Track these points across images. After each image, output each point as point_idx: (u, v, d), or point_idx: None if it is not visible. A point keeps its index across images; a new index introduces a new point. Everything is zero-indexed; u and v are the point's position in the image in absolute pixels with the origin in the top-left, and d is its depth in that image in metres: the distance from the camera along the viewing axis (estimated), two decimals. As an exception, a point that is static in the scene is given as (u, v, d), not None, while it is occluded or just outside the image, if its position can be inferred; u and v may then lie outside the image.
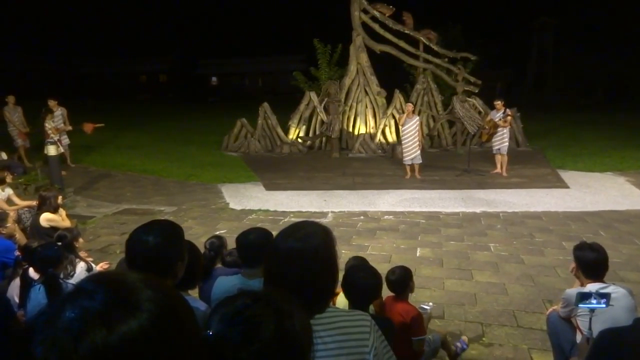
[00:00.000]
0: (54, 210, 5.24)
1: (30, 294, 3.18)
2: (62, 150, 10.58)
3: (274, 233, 2.49)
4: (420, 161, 9.76)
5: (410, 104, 10.24)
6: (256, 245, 2.35)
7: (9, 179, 6.41)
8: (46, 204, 5.20)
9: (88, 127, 10.77)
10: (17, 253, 4.11)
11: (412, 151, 9.62)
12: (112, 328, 0.59)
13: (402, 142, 9.83)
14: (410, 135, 9.60)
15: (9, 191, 6.29)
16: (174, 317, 0.67)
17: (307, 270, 1.35)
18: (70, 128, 10.92)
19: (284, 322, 0.93)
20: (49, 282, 3.14)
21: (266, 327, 0.91)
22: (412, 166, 9.82)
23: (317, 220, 7.62)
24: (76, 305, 0.62)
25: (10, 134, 10.77)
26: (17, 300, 3.36)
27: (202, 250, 3.32)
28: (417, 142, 9.62)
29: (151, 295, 0.66)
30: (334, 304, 2.69)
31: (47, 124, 10.20)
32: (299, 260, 1.35)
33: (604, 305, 2.65)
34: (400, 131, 10.15)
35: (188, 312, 0.71)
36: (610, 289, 2.82)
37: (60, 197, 5.49)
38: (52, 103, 10.70)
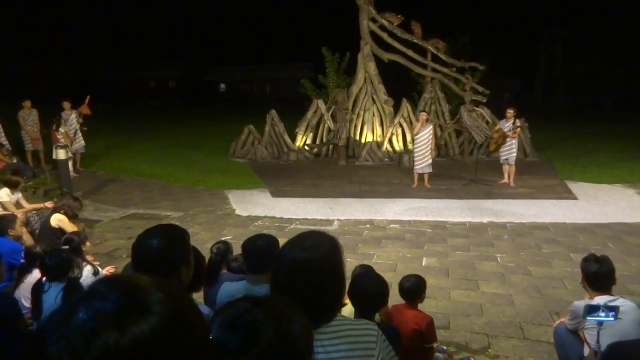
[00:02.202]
0: (72, 216, 5.30)
1: (43, 299, 3.18)
2: (70, 155, 10.73)
3: (280, 240, 2.50)
4: (431, 170, 9.73)
5: (424, 112, 10.20)
6: (263, 252, 2.35)
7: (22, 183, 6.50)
8: (68, 207, 5.25)
9: (84, 109, 10.97)
10: (22, 259, 4.14)
11: (422, 160, 9.59)
12: (124, 329, 0.60)
13: (415, 150, 9.80)
14: (423, 143, 9.57)
15: (17, 194, 6.36)
16: (184, 319, 0.68)
17: (313, 280, 1.35)
18: (81, 123, 11.13)
19: (283, 327, 0.93)
20: (69, 287, 3.15)
21: (265, 331, 0.91)
22: (420, 175, 9.79)
23: (323, 228, 7.63)
24: (89, 307, 0.63)
25: (22, 138, 10.89)
26: (24, 303, 3.38)
27: (208, 255, 3.33)
28: (430, 151, 9.59)
29: (162, 297, 0.67)
30: (340, 312, 2.67)
31: (61, 129, 10.35)
32: (305, 270, 1.35)
33: (612, 319, 2.62)
34: (414, 139, 10.13)
35: (197, 315, 0.72)
36: (618, 301, 2.78)
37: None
38: (66, 105, 10.87)
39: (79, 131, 11.07)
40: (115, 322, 0.61)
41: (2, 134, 10.34)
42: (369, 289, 2.47)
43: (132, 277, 0.72)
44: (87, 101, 11.02)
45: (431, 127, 9.85)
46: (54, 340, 0.60)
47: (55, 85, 29.52)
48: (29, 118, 10.79)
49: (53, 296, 3.16)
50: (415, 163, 9.74)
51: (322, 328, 1.33)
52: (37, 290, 3.29)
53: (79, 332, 0.60)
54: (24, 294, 3.42)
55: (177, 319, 0.66)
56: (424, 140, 9.58)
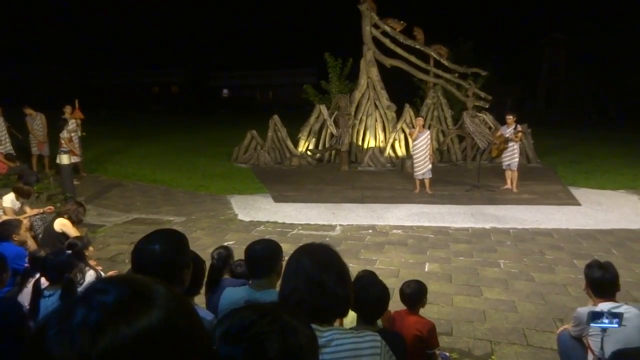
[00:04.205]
0: (77, 221, 5.30)
1: (40, 305, 3.19)
2: (76, 159, 10.76)
3: (282, 245, 2.50)
4: (430, 176, 9.70)
5: (420, 117, 10.21)
6: (263, 257, 2.35)
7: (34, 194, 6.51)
8: (73, 212, 5.26)
9: (78, 114, 10.98)
10: (27, 264, 4.14)
11: (422, 165, 9.58)
12: (131, 321, 0.60)
13: (413, 156, 9.79)
14: (421, 149, 9.56)
15: (22, 200, 6.37)
16: (186, 312, 0.68)
17: (334, 275, 1.46)
18: (83, 132, 11.15)
19: (289, 340, 0.91)
20: (66, 287, 3.16)
21: (271, 345, 0.90)
22: (421, 180, 9.77)
23: (325, 233, 7.61)
24: (92, 301, 0.62)
25: (30, 142, 10.94)
26: (28, 308, 3.38)
27: (208, 260, 3.34)
28: (428, 157, 9.58)
29: (163, 290, 0.67)
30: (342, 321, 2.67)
31: (61, 135, 10.37)
32: (327, 267, 1.47)
33: (616, 325, 2.61)
34: (411, 145, 10.11)
35: (194, 311, 0.72)
36: (622, 308, 2.77)
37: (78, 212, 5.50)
38: (68, 109, 10.89)
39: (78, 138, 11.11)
40: (122, 314, 0.60)
41: (8, 142, 10.37)
42: (370, 294, 2.46)
43: (129, 275, 0.72)
44: (77, 106, 11.03)
45: (428, 132, 9.85)
46: (56, 337, 0.59)
47: (60, 91, 29.68)
48: (34, 122, 10.83)
49: (53, 302, 3.16)
50: (415, 169, 9.70)
51: (324, 342, 1.32)
52: (36, 290, 3.30)
53: (84, 326, 0.59)
54: (27, 299, 3.43)
55: (179, 311, 0.66)
56: (422, 146, 9.56)
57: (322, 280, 1.43)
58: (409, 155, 12.77)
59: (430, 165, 9.59)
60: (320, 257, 1.51)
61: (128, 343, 0.59)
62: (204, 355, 0.70)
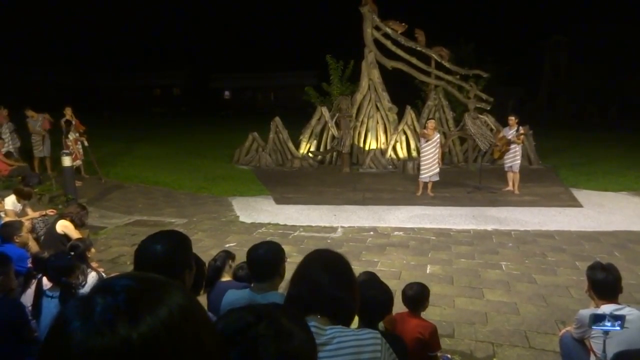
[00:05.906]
0: (80, 225, 5.31)
1: (42, 304, 3.20)
2: (79, 162, 10.77)
3: (284, 247, 2.50)
4: (438, 179, 9.65)
5: (432, 120, 10.07)
6: (266, 260, 2.34)
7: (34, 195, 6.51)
8: (77, 215, 5.26)
9: (79, 127, 11.00)
10: (29, 265, 4.15)
11: (430, 168, 9.52)
12: (162, 300, 0.59)
13: (421, 158, 9.68)
14: (430, 152, 9.50)
15: (23, 201, 6.38)
16: (197, 302, 0.69)
17: (343, 283, 1.49)
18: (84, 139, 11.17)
19: (283, 345, 0.90)
20: (64, 290, 3.17)
21: (264, 349, 0.89)
22: (424, 183, 9.73)
23: (327, 235, 7.59)
24: (114, 286, 0.60)
25: (32, 144, 10.96)
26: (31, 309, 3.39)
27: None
28: (437, 160, 9.54)
29: (172, 280, 0.67)
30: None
31: (70, 136, 10.40)
32: (340, 274, 1.52)
33: (618, 328, 2.60)
34: (420, 148, 10.02)
35: (204, 310, 0.73)
36: (624, 310, 2.76)
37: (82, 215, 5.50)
38: (68, 112, 10.91)
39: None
40: (151, 293, 0.60)
41: (9, 143, 10.39)
42: (373, 297, 2.45)
43: (143, 272, 0.73)
44: (76, 119, 11.00)
45: (439, 135, 9.79)
46: (80, 326, 0.57)
47: (61, 93, 29.75)
48: (36, 124, 10.88)
49: (56, 304, 3.17)
50: (422, 171, 9.59)
51: (323, 340, 1.33)
52: (38, 290, 3.30)
53: (114, 309, 0.58)
54: (30, 300, 3.43)
55: (193, 299, 0.67)
56: (432, 149, 9.51)
57: (327, 284, 1.45)
58: (410, 157, 12.78)
59: (437, 169, 9.54)
60: (328, 262, 1.54)
61: (166, 322, 0.57)
62: (216, 339, 0.70)
